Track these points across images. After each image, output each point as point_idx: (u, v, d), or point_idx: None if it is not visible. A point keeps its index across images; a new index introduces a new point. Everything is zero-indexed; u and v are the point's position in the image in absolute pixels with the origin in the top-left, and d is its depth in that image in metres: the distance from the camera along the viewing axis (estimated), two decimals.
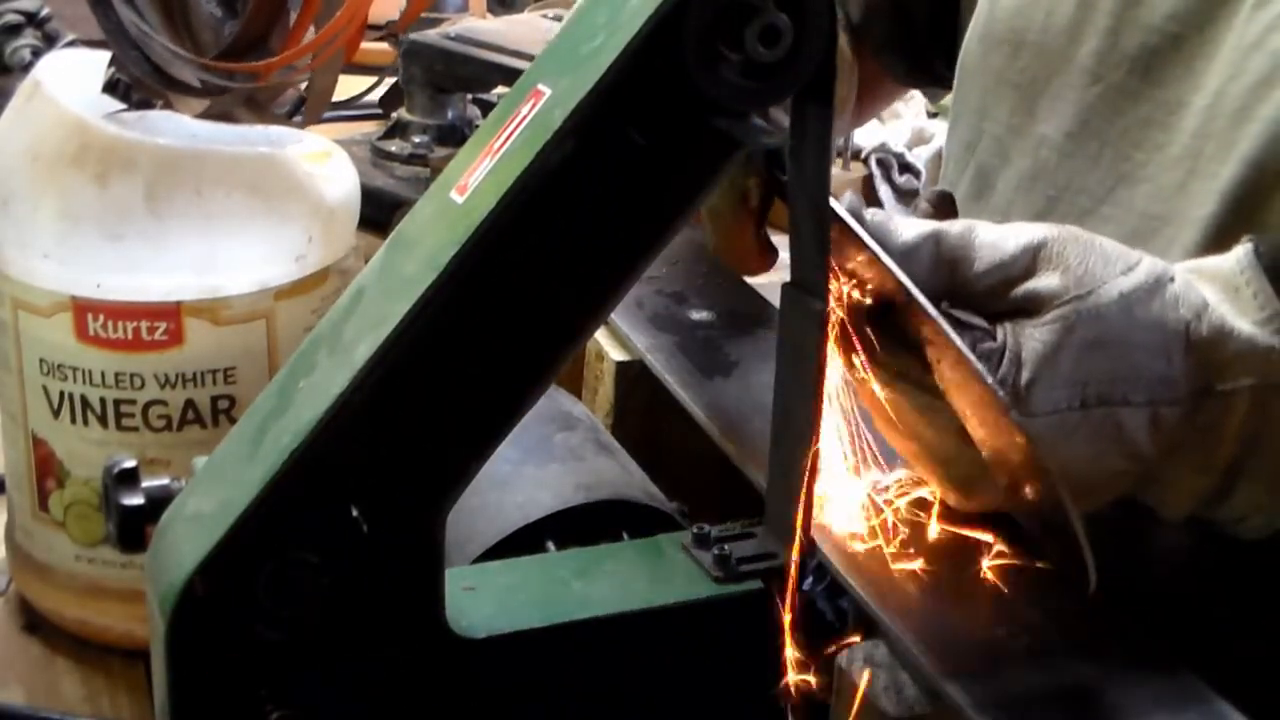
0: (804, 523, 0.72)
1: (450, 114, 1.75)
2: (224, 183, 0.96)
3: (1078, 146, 0.93)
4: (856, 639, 0.69)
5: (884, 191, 1.83)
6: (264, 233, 0.97)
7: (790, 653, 0.70)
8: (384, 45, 1.76)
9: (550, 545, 0.79)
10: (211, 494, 0.66)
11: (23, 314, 0.97)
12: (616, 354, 0.99)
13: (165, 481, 0.71)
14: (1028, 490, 0.67)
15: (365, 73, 1.79)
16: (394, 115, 1.77)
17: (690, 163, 0.65)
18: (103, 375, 0.96)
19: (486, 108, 1.79)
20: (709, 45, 0.62)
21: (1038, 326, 0.68)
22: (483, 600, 0.71)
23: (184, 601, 0.63)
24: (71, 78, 1.00)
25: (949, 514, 0.73)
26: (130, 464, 0.71)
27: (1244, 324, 0.70)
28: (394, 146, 1.73)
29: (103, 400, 0.96)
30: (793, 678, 0.69)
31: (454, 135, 1.73)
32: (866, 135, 1.87)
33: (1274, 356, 0.69)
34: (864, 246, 0.68)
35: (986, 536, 0.72)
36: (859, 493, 0.75)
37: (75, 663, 1.02)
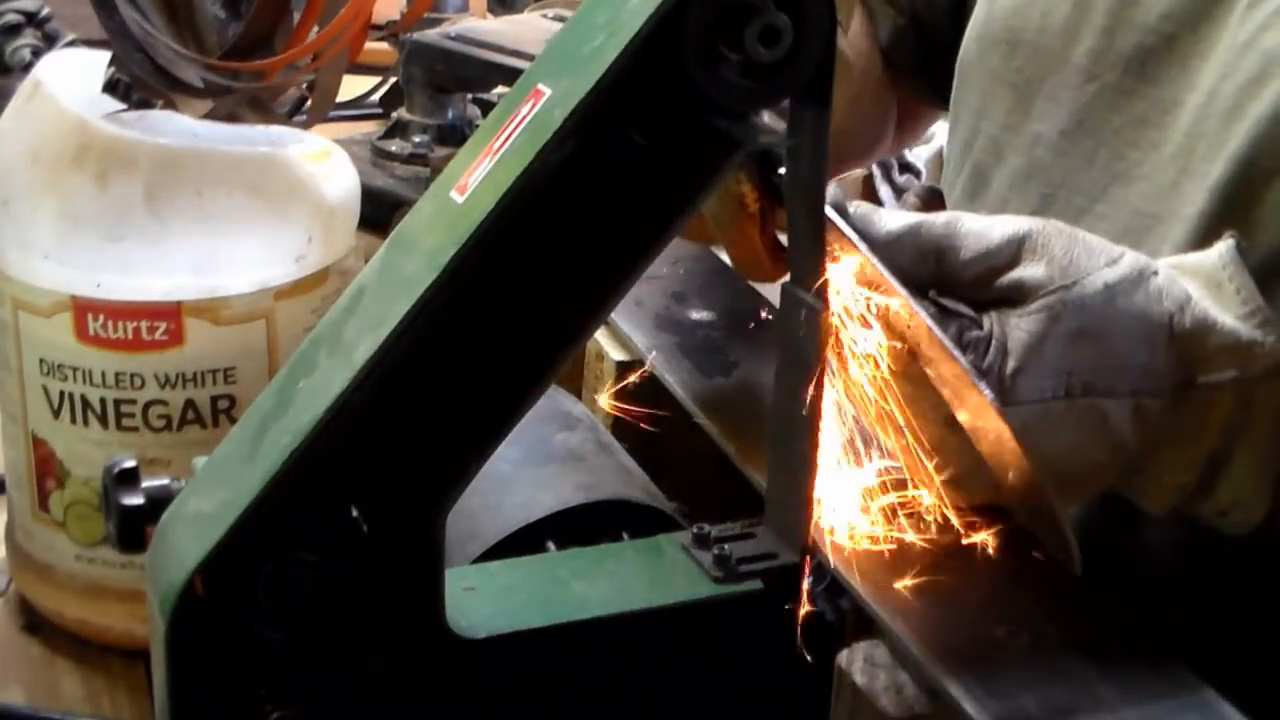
0: (804, 523, 0.73)
1: (450, 114, 1.75)
2: (224, 183, 0.96)
3: (1073, 145, 0.93)
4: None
5: (884, 191, 1.83)
6: (264, 233, 0.97)
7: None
8: (385, 45, 1.75)
9: (550, 545, 0.79)
10: (211, 494, 0.66)
11: (23, 314, 0.97)
12: (616, 354, 0.99)
13: (165, 481, 0.71)
14: (1011, 475, 0.67)
15: (366, 72, 1.79)
16: (394, 115, 1.77)
17: (690, 163, 0.65)
18: (103, 375, 0.96)
19: (486, 108, 1.79)
20: (709, 45, 0.62)
21: (1023, 316, 0.69)
22: (483, 600, 0.71)
23: (184, 601, 0.63)
24: (71, 78, 1.00)
25: (947, 513, 0.73)
26: (130, 464, 0.71)
27: (1227, 317, 0.70)
28: (394, 146, 1.73)
29: (103, 400, 0.96)
30: None
31: (454, 135, 1.73)
32: None
33: (1256, 349, 0.70)
34: (846, 239, 0.68)
35: (986, 535, 0.72)
36: (858, 493, 0.75)
37: (75, 663, 1.02)
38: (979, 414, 0.66)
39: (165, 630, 0.64)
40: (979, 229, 0.71)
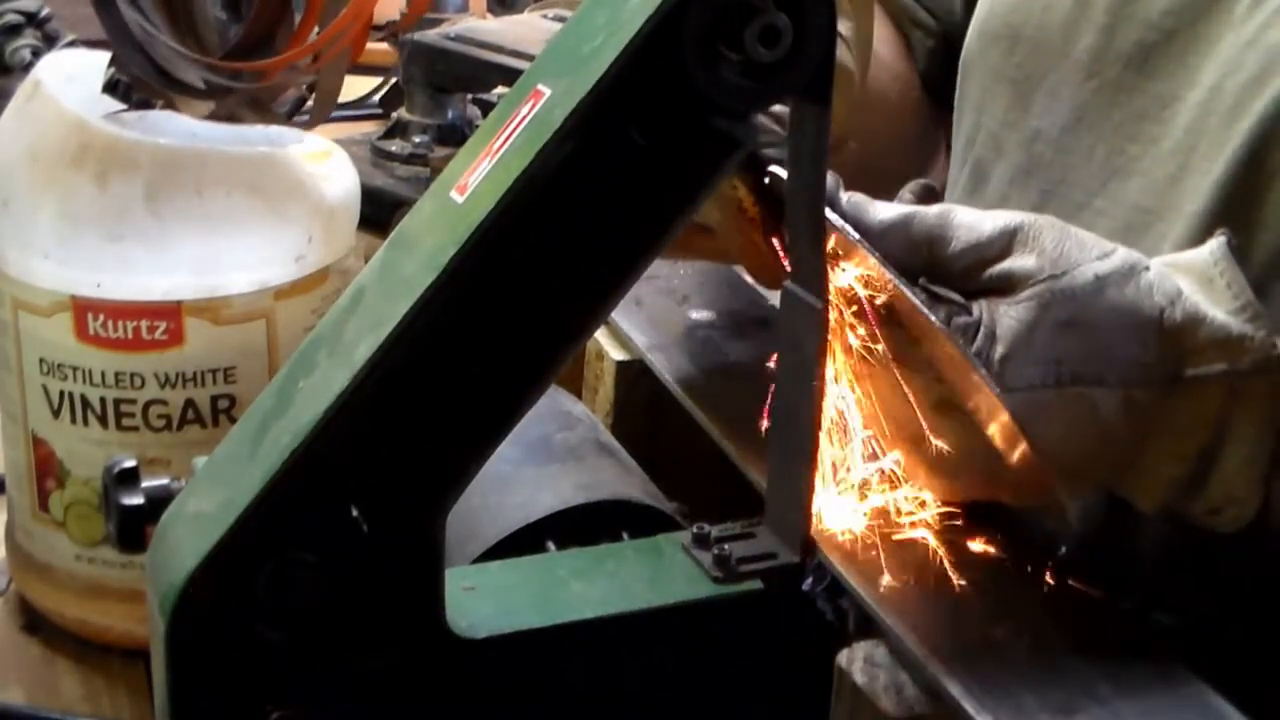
0: (804, 523, 0.73)
1: (450, 114, 1.75)
2: (224, 183, 0.96)
3: (1073, 141, 0.93)
4: None
5: None
6: (264, 233, 0.97)
7: None
8: (385, 45, 1.75)
9: (550, 545, 0.79)
10: (211, 494, 0.66)
11: (23, 314, 0.97)
12: (616, 354, 0.99)
13: (165, 481, 0.71)
14: (1000, 451, 0.67)
15: (366, 73, 1.79)
16: (394, 115, 1.77)
17: (690, 163, 0.65)
18: (103, 375, 0.96)
19: (486, 108, 1.79)
20: (709, 45, 0.62)
21: (1013, 304, 0.70)
22: (483, 600, 0.71)
23: (184, 601, 0.63)
24: (71, 78, 1.00)
25: (947, 512, 0.74)
26: (130, 464, 0.71)
27: (1217, 312, 0.71)
28: (394, 146, 1.73)
29: (103, 400, 0.96)
30: None
31: (454, 135, 1.72)
32: None
33: (1246, 343, 0.70)
34: (839, 229, 0.68)
35: (985, 538, 0.72)
36: (858, 493, 0.75)
37: (75, 663, 1.02)
38: (966, 391, 0.67)
39: (165, 630, 0.64)
40: (971, 221, 0.71)
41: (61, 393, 0.97)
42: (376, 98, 1.87)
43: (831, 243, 0.69)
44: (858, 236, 0.68)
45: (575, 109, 0.62)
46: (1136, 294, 0.70)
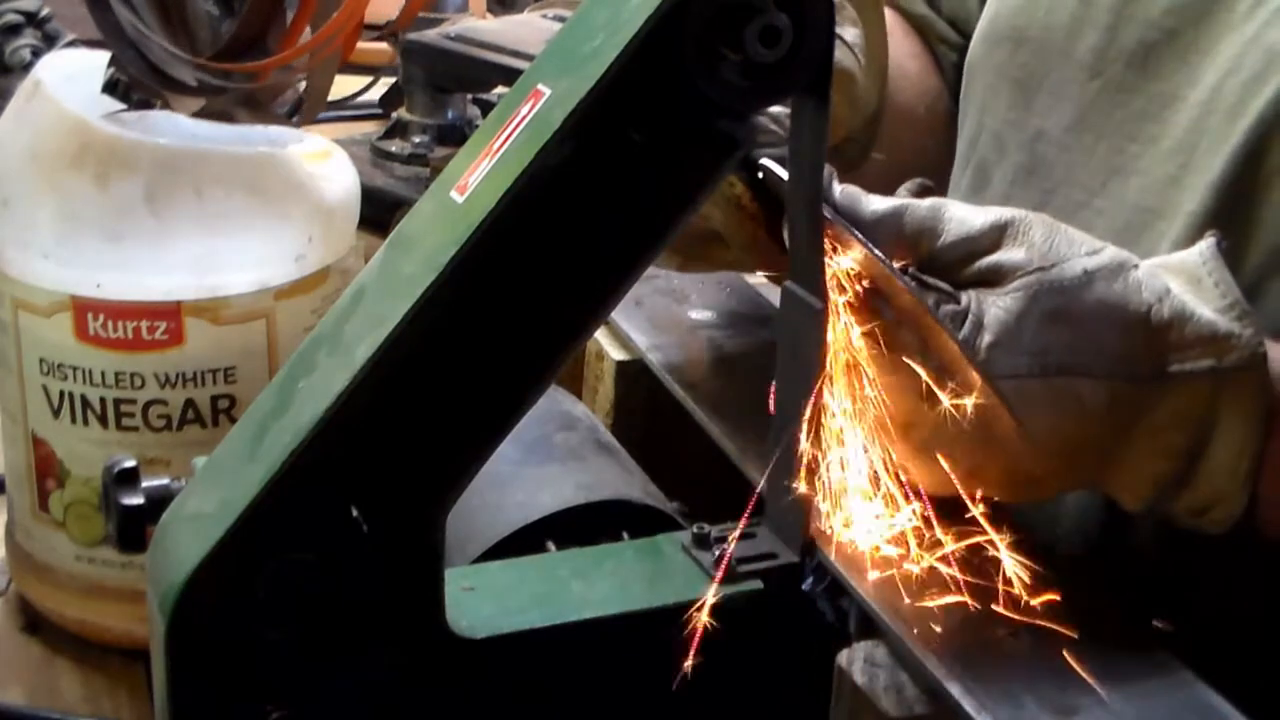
0: (804, 523, 0.73)
1: (450, 114, 1.75)
2: (224, 183, 0.96)
3: (1075, 140, 0.94)
4: None
5: None
6: (264, 233, 0.97)
7: None
8: (382, 45, 1.75)
9: (550, 545, 0.79)
10: (211, 494, 0.66)
11: (23, 314, 0.97)
12: (616, 354, 0.99)
13: (165, 481, 0.71)
14: (977, 422, 0.69)
15: (364, 72, 1.79)
16: (394, 115, 1.77)
17: (690, 163, 0.65)
18: (103, 375, 0.96)
19: (486, 108, 1.79)
20: (709, 46, 0.62)
21: (1001, 295, 0.70)
22: (483, 600, 0.71)
23: (184, 601, 0.63)
24: (71, 78, 1.00)
25: (947, 513, 0.73)
26: (130, 464, 0.71)
27: (1205, 310, 0.71)
28: (394, 146, 1.73)
29: (103, 400, 0.96)
30: None
31: (454, 135, 1.73)
32: None
33: (1233, 340, 0.70)
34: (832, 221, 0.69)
35: (985, 539, 0.72)
36: (859, 492, 0.75)
37: (75, 663, 1.02)
38: (954, 383, 0.68)
39: (165, 630, 0.64)
40: (962, 215, 0.72)
41: (61, 393, 0.97)
42: (366, 97, 1.87)
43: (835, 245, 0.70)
44: (850, 226, 0.69)
45: (575, 109, 0.62)
46: (1125, 289, 0.71)
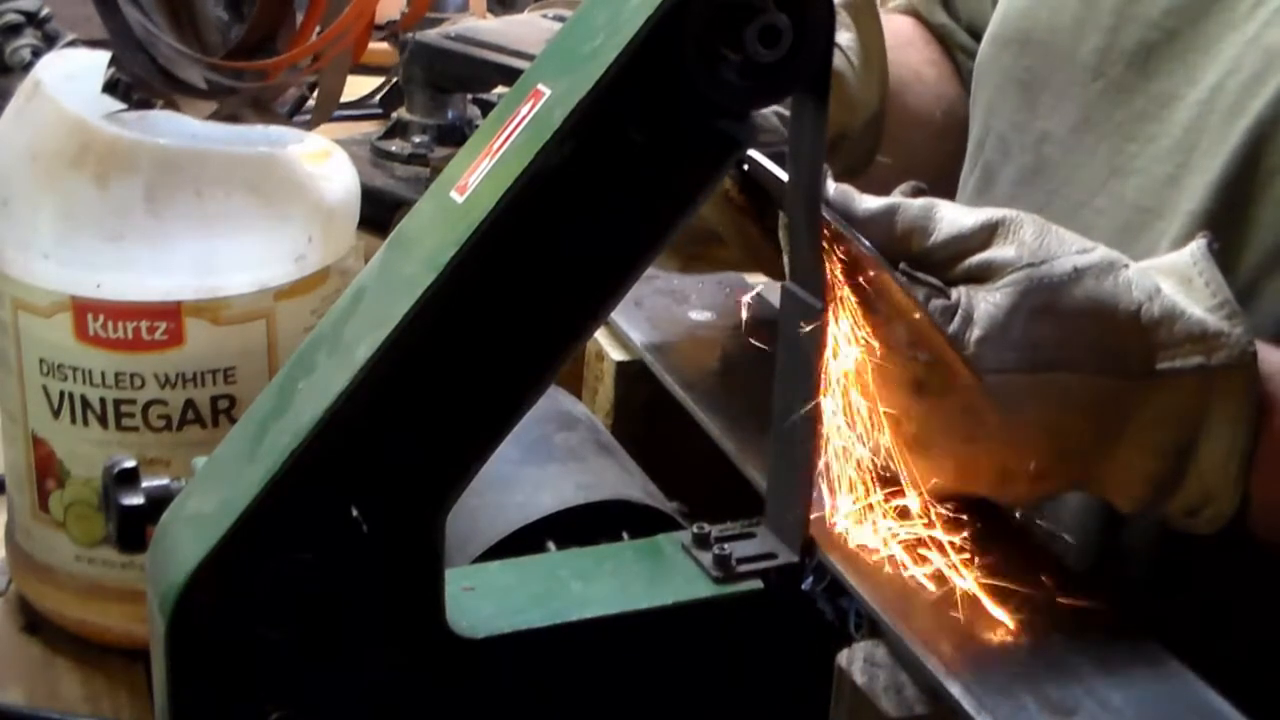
0: (804, 523, 0.73)
1: (450, 114, 1.75)
2: (224, 183, 0.96)
3: (1078, 141, 0.94)
4: None
5: None
6: (264, 233, 0.97)
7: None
8: (386, 45, 1.75)
9: (550, 545, 0.79)
10: (211, 494, 0.66)
11: (23, 314, 0.97)
12: (616, 354, 0.99)
13: (165, 481, 0.71)
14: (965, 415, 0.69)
15: (367, 73, 1.79)
16: (394, 115, 1.77)
17: (690, 163, 0.65)
18: (103, 375, 0.96)
19: (486, 108, 1.79)
20: (709, 45, 0.62)
21: (991, 290, 0.70)
22: (483, 600, 0.71)
23: (184, 601, 0.63)
24: (71, 78, 1.00)
25: (946, 511, 0.74)
26: (130, 464, 0.71)
27: (1195, 309, 0.72)
28: (394, 146, 1.73)
29: (103, 400, 0.96)
30: None
31: (454, 135, 1.73)
32: None
33: (1223, 339, 0.71)
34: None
35: (985, 539, 0.72)
36: (859, 492, 0.75)
37: (75, 663, 1.02)
38: (942, 376, 0.69)
39: (165, 630, 0.64)
40: (954, 214, 0.73)
41: (61, 393, 0.97)
42: (377, 98, 1.87)
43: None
44: (842, 222, 0.69)
45: (575, 109, 0.62)
46: (1115, 287, 0.71)
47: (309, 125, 1.08)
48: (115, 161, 0.95)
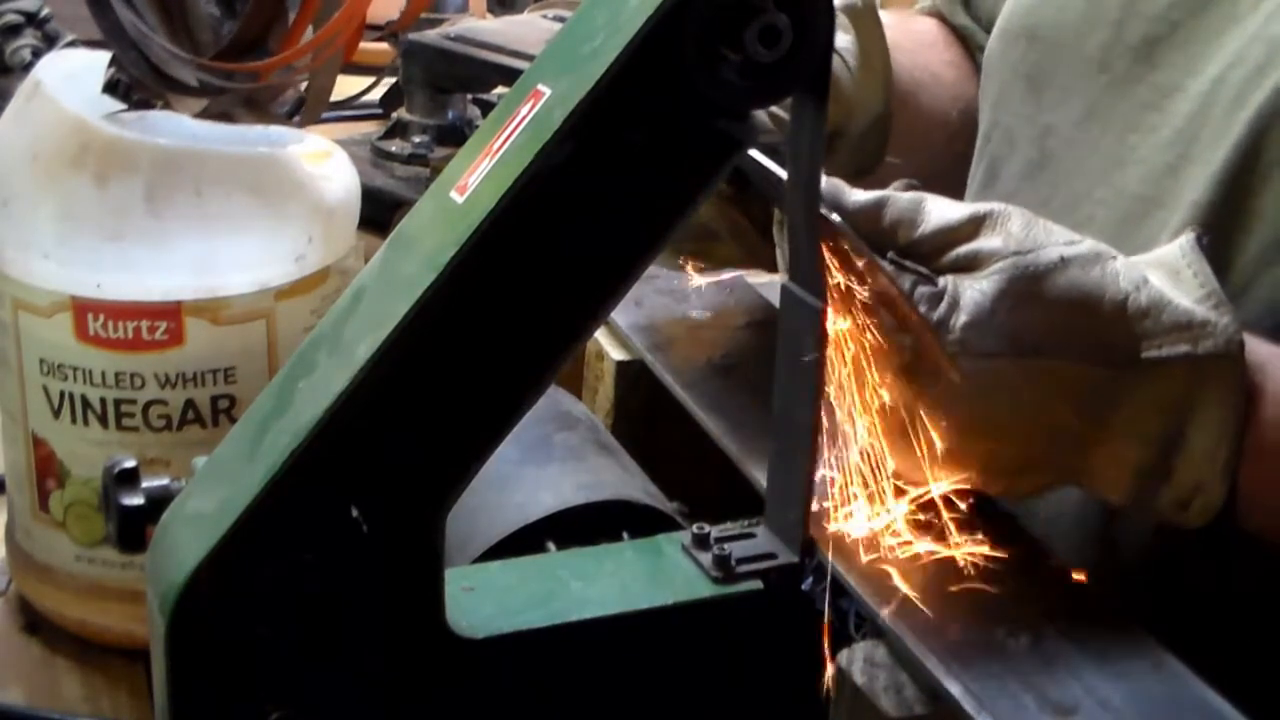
0: (804, 523, 0.73)
1: (450, 114, 1.75)
2: (224, 183, 0.96)
3: (1082, 134, 0.95)
4: None
5: None
6: (264, 233, 0.97)
7: None
8: (383, 45, 1.75)
9: (550, 545, 0.79)
10: (211, 494, 0.66)
11: (23, 314, 0.97)
12: (616, 354, 0.99)
13: (165, 481, 0.71)
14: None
15: (365, 73, 1.79)
16: (394, 115, 1.77)
17: (690, 163, 0.65)
18: (103, 375, 0.96)
19: (486, 108, 1.79)
20: (709, 46, 0.62)
21: (978, 278, 0.71)
22: (483, 600, 0.71)
23: (184, 601, 0.63)
24: (71, 78, 1.00)
25: (946, 511, 0.74)
26: (130, 464, 0.71)
27: (1182, 299, 0.72)
28: (394, 146, 1.73)
29: (103, 400, 0.96)
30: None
31: (454, 135, 1.73)
32: None
33: (1209, 329, 0.71)
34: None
35: (985, 539, 0.72)
36: (859, 494, 0.75)
37: (75, 663, 1.02)
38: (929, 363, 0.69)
39: (165, 630, 0.64)
40: (942, 207, 0.73)
41: (61, 393, 0.97)
42: (373, 96, 1.87)
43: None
44: (828, 211, 0.69)
45: (575, 109, 0.62)
46: (1102, 277, 0.72)
47: (300, 124, 1.07)
48: (115, 161, 0.95)
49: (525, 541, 0.80)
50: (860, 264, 0.69)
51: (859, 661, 0.67)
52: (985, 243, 0.72)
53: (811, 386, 0.70)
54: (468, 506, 0.71)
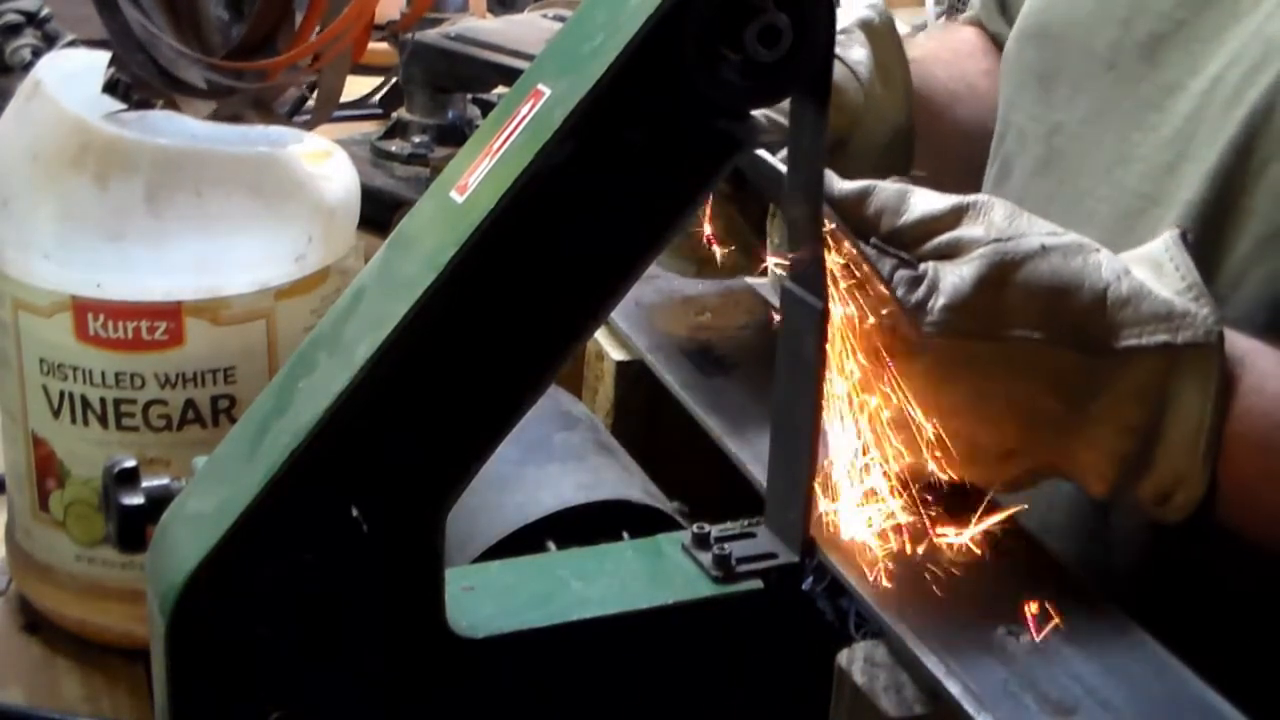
0: (804, 523, 0.73)
1: (450, 114, 1.75)
2: (224, 183, 0.96)
3: (1089, 132, 0.95)
4: None
5: None
6: (264, 233, 0.97)
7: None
8: (386, 45, 1.76)
9: (550, 545, 0.79)
10: (211, 494, 0.66)
11: (23, 314, 0.97)
12: (616, 354, 0.99)
13: (165, 481, 0.71)
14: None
15: (367, 73, 1.79)
16: (394, 115, 1.77)
17: (690, 163, 0.65)
18: (103, 375, 0.96)
19: (486, 108, 1.79)
20: (709, 45, 0.62)
21: (959, 264, 0.72)
22: (483, 600, 0.71)
23: (184, 601, 0.63)
24: (71, 78, 1.00)
25: (946, 511, 0.74)
26: (130, 464, 0.71)
27: (1163, 290, 0.73)
28: (394, 146, 1.73)
29: (103, 400, 0.96)
30: None
31: (454, 135, 1.73)
32: None
33: (1189, 319, 0.72)
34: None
35: (985, 539, 0.72)
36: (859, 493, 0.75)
37: (75, 663, 1.02)
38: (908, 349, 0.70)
39: (165, 630, 0.64)
40: (926, 198, 0.74)
41: (61, 393, 0.97)
42: (377, 98, 1.87)
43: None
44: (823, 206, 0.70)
45: (575, 109, 0.62)
46: (1083, 266, 0.72)
47: (309, 125, 1.08)
48: (115, 161, 0.95)
49: (525, 541, 0.80)
50: (843, 247, 0.70)
51: (859, 661, 0.67)
52: (967, 231, 0.73)
53: (811, 386, 0.70)
54: (468, 506, 0.71)
